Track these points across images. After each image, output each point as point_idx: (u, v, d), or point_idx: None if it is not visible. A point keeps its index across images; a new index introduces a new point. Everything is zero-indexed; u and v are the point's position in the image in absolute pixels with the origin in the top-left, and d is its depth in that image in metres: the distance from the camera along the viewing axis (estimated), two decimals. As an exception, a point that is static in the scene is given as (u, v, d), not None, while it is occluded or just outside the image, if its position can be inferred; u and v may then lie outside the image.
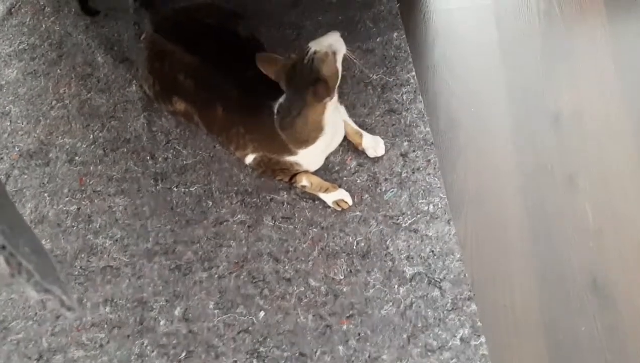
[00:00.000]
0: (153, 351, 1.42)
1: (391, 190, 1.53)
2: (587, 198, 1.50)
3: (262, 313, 1.44)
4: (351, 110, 1.61)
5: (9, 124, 1.70)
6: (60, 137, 1.67)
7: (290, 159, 1.46)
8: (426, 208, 1.50)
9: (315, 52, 1.28)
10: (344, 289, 1.45)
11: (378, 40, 1.68)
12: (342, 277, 1.46)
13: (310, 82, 1.27)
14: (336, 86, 1.32)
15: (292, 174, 1.50)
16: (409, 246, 1.47)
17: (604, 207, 1.49)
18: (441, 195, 1.51)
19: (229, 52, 1.50)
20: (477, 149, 1.57)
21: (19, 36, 1.81)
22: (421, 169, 1.54)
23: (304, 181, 1.50)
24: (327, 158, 1.54)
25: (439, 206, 1.50)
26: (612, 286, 1.41)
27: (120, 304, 1.47)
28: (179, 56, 1.47)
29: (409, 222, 1.49)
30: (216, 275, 1.48)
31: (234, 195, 1.56)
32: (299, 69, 1.29)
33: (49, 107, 1.71)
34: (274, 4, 1.73)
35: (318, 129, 1.37)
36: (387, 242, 1.48)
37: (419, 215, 1.50)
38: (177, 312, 1.45)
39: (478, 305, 1.40)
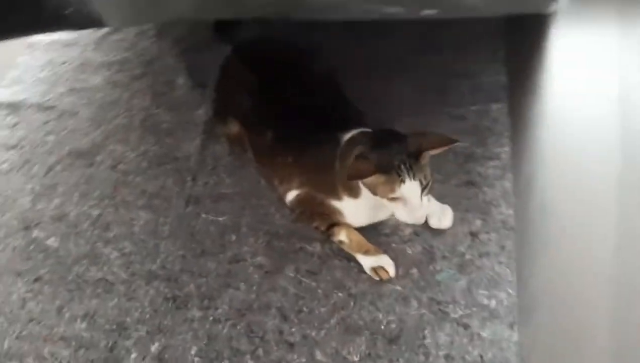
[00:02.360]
0: (109, 387, 1.16)
1: (447, 271, 1.21)
2: None
3: (247, 377, 1.14)
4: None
5: (72, 122, 1.66)
6: (113, 144, 1.59)
7: (334, 203, 1.25)
8: (486, 302, 1.15)
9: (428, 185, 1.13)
10: (355, 375, 1.12)
11: (472, 108, 1.44)
12: (356, 359, 1.12)
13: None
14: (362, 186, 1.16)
15: (332, 222, 1.26)
16: (452, 342, 1.11)
17: None
18: (510, 290, 1.16)
19: (298, 84, 1.38)
20: (568, 245, 1.21)
21: (116, 49, 1.83)
22: (491, 254, 1.22)
23: (342, 235, 1.25)
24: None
25: (504, 304, 1.15)
26: None
27: (98, 323, 1.25)
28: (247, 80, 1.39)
29: (460, 313, 1.15)
30: (211, 318, 1.22)
31: (261, 234, 1.33)
32: (395, 153, 1.10)
33: (116, 115, 1.66)
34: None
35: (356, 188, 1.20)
36: (426, 331, 1.13)
37: (475, 309, 1.15)
38: (154, 348, 1.19)
39: None
